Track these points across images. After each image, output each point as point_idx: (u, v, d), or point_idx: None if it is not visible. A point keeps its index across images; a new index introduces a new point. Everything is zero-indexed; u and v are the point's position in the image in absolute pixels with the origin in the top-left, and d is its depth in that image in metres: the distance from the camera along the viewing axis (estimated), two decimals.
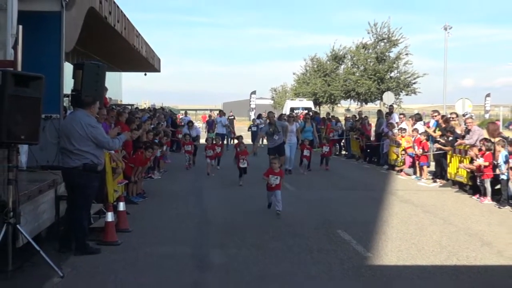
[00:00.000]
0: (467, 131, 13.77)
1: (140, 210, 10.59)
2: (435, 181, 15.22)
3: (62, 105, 9.57)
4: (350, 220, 9.91)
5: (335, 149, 23.09)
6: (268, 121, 15.79)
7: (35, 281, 6.18)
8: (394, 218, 10.17)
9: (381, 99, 39.19)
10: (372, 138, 21.20)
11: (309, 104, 38.06)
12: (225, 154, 19.28)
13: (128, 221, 9.05)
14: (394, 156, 18.02)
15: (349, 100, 48.04)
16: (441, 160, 15.11)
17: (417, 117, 18.68)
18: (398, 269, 6.96)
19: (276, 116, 17.38)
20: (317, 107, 45.74)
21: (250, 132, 29.53)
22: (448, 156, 14.44)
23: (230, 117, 35.41)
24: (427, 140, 16.10)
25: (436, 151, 15.45)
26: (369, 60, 43.14)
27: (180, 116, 33.25)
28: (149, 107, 36.05)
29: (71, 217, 7.50)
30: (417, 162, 16.33)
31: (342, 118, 28.35)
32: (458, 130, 14.48)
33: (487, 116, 51.35)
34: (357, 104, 47.21)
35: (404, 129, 17.70)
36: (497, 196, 11.82)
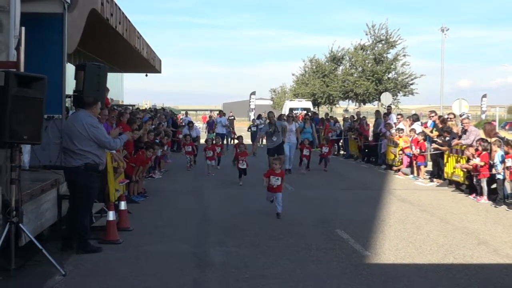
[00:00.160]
0: (464, 131, 13.78)
1: (141, 209, 10.59)
2: (432, 181, 15.23)
3: (64, 105, 9.57)
4: (349, 219, 9.91)
5: (333, 149, 23.08)
6: (268, 121, 15.79)
7: (38, 279, 6.18)
8: (391, 217, 10.17)
9: (379, 100, 39.24)
10: (370, 138, 21.21)
11: (308, 104, 38.08)
12: (225, 154, 19.30)
13: (129, 220, 9.06)
14: (392, 156, 18.03)
15: (347, 100, 48.15)
16: (438, 160, 15.12)
17: (415, 118, 18.69)
18: (395, 267, 6.96)
19: (275, 116, 17.35)
20: (316, 108, 45.76)
21: (250, 133, 29.50)
22: (445, 156, 14.45)
23: (230, 118, 35.42)
24: (425, 140, 16.11)
25: (433, 151, 15.46)
26: (367, 61, 43.23)
27: (181, 117, 33.24)
28: (150, 108, 36.09)
29: (73, 216, 7.50)
30: (414, 162, 16.34)
31: (340, 119, 28.37)
32: (455, 130, 14.49)
33: (483, 116, 51.39)
34: (355, 105, 47.28)
35: (402, 129, 17.71)
36: (493, 196, 11.82)
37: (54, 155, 8.81)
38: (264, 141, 16.59)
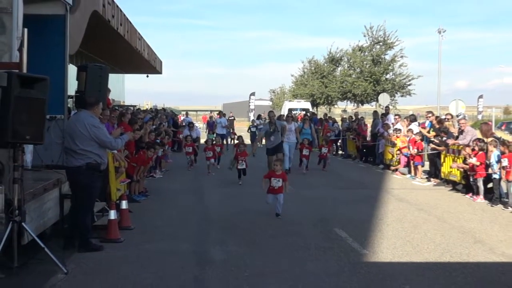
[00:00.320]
0: (461, 131, 13.79)
1: (142, 208, 10.59)
2: (429, 180, 15.24)
3: (66, 106, 9.57)
4: (347, 218, 9.91)
5: (332, 149, 23.08)
6: (268, 120, 15.78)
7: (40, 277, 6.18)
8: (389, 216, 10.17)
9: (377, 101, 39.27)
10: (368, 138, 21.20)
11: (307, 105, 38.09)
12: (225, 154, 19.29)
13: (131, 219, 9.06)
14: (390, 156, 18.03)
15: (345, 101, 48.16)
16: (435, 160, 15.12)
17: (412, 118, 18.70)
18: (393, 265, 6.97)
19: (275, 116, 17.32)
20: (315, 108, 45.75)
21: (249, 134, 29.49)
22: (442, 156, 14.45)
23: (230, 118, 35.40)
24: (422, 140, 16.12)
25: (430, 151, 15.47)
26: (365, 62, 43.24)
27: (182, 117, 33.22)
28: (151, 108, 36.07)
29: (75, 215, 7.51)
30: (411, 162, 16.33)
31: (338, 119, 28.40)
32: (452, 131, 14.49)
33: (480, 117, 51.37)
34: (354, 105, 47.29)
35: (399, 130, 17.71)
36: (489, 195, 11.83)
37: (56, 155, 8.80)
38: (264, 141, 16.57)
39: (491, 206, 11.29)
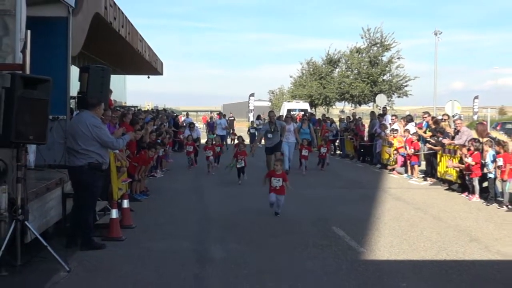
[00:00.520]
0: (456, 131, 13.79)
1: (143, 207, 10.59)
2: (425, 180, 15.24)
3: (68, 106, 9.57)
4: (344, 217, 9.91)
5: (330, 149, 23.07)
6: (268, 120, 15.76)
7: (43, 275, 6.18)
8: (386, 215, 10.17)
9: (374, 101, 39.24)
10: (366, 139, 21.20)
11: (305, 105, 38.05)
12: (224, 153, 19.27)
13: (132, 217, 9.05)
14: (387, 156, 18.04)
15: (343, 102, 48.06)
16: (431, 160, 15.13)
17: (409, 118, 18.70)
18: (390, 263, 6.97)
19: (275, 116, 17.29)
20: (313, 109, 45.73)
21: (249, 134, 29.47)
22: (438, 156, 14.46)
23: (230, 118, 35.43)
24: (418, 140, 16.13)
25: (427, 151, 15.47)
26: (362, 63, 43.19)
27: (182, 118, 33.22)
28: (152, 109, 36.05)
29: (77, 214, 7.50)
30: (408, 162, 16.35)
31: (336, 119, 28.39)
32: (448, 131, 14.50)
33: (475, 117, 51.36)
34: (351, 106, 47.24)
35: (396, 130, 17.72)
36: (484, 194, 11.83)
37: (59, 154, 8.80)
38: (263, 141, 16.56)
39: (487, 205, 11.29)
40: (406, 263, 6.99)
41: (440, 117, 16.25)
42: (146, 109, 31.93)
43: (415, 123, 18.64)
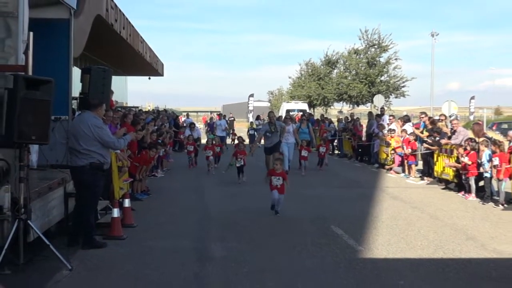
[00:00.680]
0: (453, 131, 13.80)
1: (144, 207, 10.59)
2: (422, 179, 15.24)
3: (70, 107, 9.56)
4: (343, 215, 9.91)
5: (328, 149, 23.06)
6: (268, 120, 15.74)
7: (45, 273, 6.17)
8: (384, 213, 10.17)
9: (372, 102, 39.30)
10: (364, 138, 21.21)
11: (304, 106, 38.10)
12: (224, 153, 19.26)
13: (133, 216, 9.05)
14: (384, 155, 18.04)
15: (341, 102, 48.18)
16: (428, 159, 15.13)
17: (406, 119, 18.72)
18: (387, 261, 6.97)
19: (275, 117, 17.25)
20: (312, 109, 45.76)
21: (249, 135, 29.46)
22: (435, 155, 14.47)
23: (230, 119, 35.47)
24: (415, 140, 16.13)
25: (424, 150, 15.48)
26: (360, 64, 43.27)
27: (183, 118, 33.22)
28: (153, 109, 36.03)
29: (79, 213, 7.50)
30: (405, 161, 16.35)
31: (335, 120, 28.37)
32: (445, 131, 14.51)
33: (471, 117, 51.38)
34: (349, 106, 47.30)
35: (394, 130, 17.73)
36: (481, 193, 11.83)
37: (61, 154, 8.80)
38: (263, 141, 16.55)
39: (483, 204, 11.29)
40: (404, 261, 6.99)
41: (437, 117, 16.26)
42: (147, 110, 31.91)
43: (412, 123, 18.65)
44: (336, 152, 24.43)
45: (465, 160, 12.05)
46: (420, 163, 16.35)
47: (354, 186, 14.35)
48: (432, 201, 11.76)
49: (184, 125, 25.97)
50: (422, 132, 16.10)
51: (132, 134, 9.47)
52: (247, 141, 24.25)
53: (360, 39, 43.19)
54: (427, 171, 15.26)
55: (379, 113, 21.98)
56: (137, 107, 30.85)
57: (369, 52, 42.96)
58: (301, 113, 31.21)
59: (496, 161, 11.13)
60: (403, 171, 16.52)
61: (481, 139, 12.13)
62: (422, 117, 16.93)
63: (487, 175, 11.48)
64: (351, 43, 45.36)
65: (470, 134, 13.39)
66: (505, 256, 7.29)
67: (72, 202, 7.83)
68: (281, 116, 23.62)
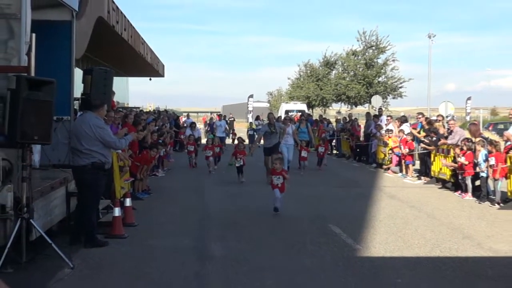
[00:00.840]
0: (450, 132, 13.80)
1: (145, 206, 10.58)
2: (420, 179, 15.25)
3: (72, 107, 9.55)
4: (341, 215, 9.91)
5: (328, 149, 23.05)
6: (268, 121, 15.71)
7: (48, 271, 6.17)
8: (381, 213, 10.17)
9: (370, 102, 39.27)
10: (361, 139, 21.22)
11: (303, 106, 38.09)
12: (224, 153, 19.26)
13: (134, 216, 9.05)
14: (382, 155, 18.04)
15: (340, 103, 48.11)
16: (425, 159, 15.13)
17: (403, 119, 18.71)
18: (385, 260, 6.96)
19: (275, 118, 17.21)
20: (310, 110, 45.75)
21: (248, 135, 29.47)
22: (432, 155, 14.47)
23: (230, 119, 35.47)
24: (413, 140, 16.13)
25: (421, 150, 15.48)
26: (358, 66, 43.22)
27: (183, 118, 33.21)
28: (153, 110, 36.02)
29: (81, 212, 7.50)
30: (403, 161, 16.35)
31: (333, 120, 28.37)
32: (441, 131, 14.51)
33: (468, 118, 51.40)
34: (348, 107, 47.27)
35: (391, 130, 17.72)
36: (477, 192, 11.83)
37: (63, 154, 8.78)
38: (262, 141, 16.52)
39: (479, 203, 11.29)
40: (401, 259, 6.99)
41: (434, 118, 16.25)
42: (148, 110, 31.90)
43: (410, 124, 18.65)
44: (335, 152, 24.43)
45: (462, 160, 12.05)
46: (417, 163, 16.34)
47: (352, 185, 14.35)
48: (429, 201, 11.76)
49: (185, 125, 25.95)
50: (419, 132, 16.10)
51: (133, 134, 9.48)
52: (246, 141, 24.24)
53: (358, 40, 43.13)
54: (424, 171, 15.26)
55: (377, 113, 22.00)
56: (138, 107, 30.79)
57: (367, 54, 42.90)
58: (300, 113, 31.22)
59: (492, 161, 11.13)
60: (401, 170, 16.52)
61: (477, 139, 12.14)
62: (419, 118, 16.93)
63: (484, 174, 11.48)
64: (349, 44, 45.26)
65: (466, 134, 13.40)
66: (501, 254, 7.29)
67: (74, 201, 7.83)
68: (280, 117, 23.61)
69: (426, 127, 15.56)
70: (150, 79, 31.70)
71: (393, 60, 42.48)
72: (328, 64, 48.02)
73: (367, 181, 15.11)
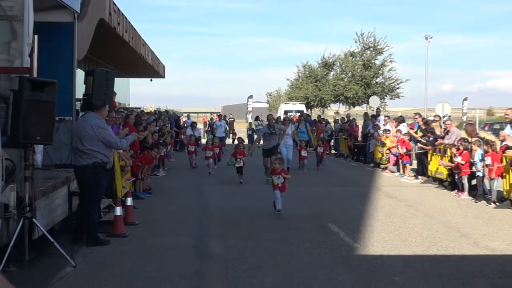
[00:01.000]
0: (446, 132, 13.81)
1: (146, 205, 10.58)
2: (417, 178, 15.25)
3: (74, 108, 9.56)
4: (339, 213, 9.91)
5: (327, 149, 23.04)
6: (267, 123, 15.67)
7: (50, 270, 6.18)
8: (379, 211, 10.18)
9: (368, 103, 39.28)
10: (359, 139, 21.23)
11: (302, 107, 38.08)
12: (224, 154, 19.26)
13: (135, 215, 9.05)
14: (380, 155, 18.05)
15: (338, 103, 48.09)
16: (422, 159, 15.14)
17: (400, 119, 18.71)
18: (383, 258, 6.97)
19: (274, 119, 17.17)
20: (309, 110, 45.74)
21: (248, 135, 29.48)
22: (429, 155, 14.47)
23: (230, 119, 35.47)
24: (410, 140, 16.14)
25: (418, 150, 15.48)
26: (356, 67, 43.22)
27: (184, 119, 33.21)
28: (154, 110, 36.00)
29: (82, 211, 7.50)
30: (400, 161, 16.36)
31: (331, 120, 28.38)
32: (438, 131, 14.52)
33: (464, 118, 51.39)
34: (346, 107, 47.28)
35: (389, 130, 17.73)
36: (473, 192, 11.85)
37: (65, 154, 8.79)
38: (262, 141, 16.50)
39: (475, 202, 11.30)
40: (398, 257, 6.99)
41: (431, 118, 16.26)
42: (148, 111, 31.87)
43: (407, 124, 18.66)
44: (333, 151, 24.44)
45: (458, 159, 12.06)
46: (415, 162, 16.35)
47: (350, 185, 14.36)
48: (426, 199, 11.77)
49: (185, 126, 25.96)
50: (416, 133, 16.11)
51: (134, 134, 9.48)
52: (246, 141, 24.25)
53: (356, 42, 43.14)
54: (421, 170, 15.26)
55: (375, 114, 22.00)
56: (139, 108, 30.77)
57: (364, 55, 42.91)
58: (299, 114, 31.24)
59: (488, 160, 11.14)
60: (398, 170, 16.53)
61: (473, 139, 12.14)
62: (416, 118, 16.94)
63: (480, 174, 11.48)
64: (347, 46, 45.37)
65: (463, 134, 13.40)
66: (496, 252, 7.30)
67: (76, 201, 7.83)
68: (279, 117, 23.59)
69: (423, 127, 15.56)
70: (151, 80, 31.67)
71: (391, 61, 42.52)
72: (327, 65, 48.01)
73: (365, 180, 15.11)
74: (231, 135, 30.46)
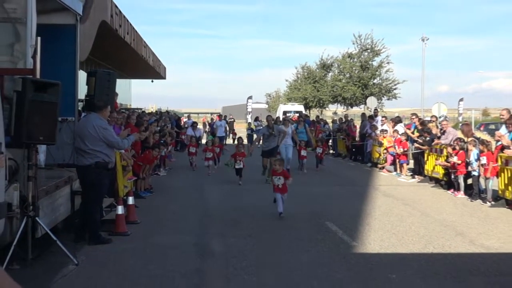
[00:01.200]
0: (443, 132, 13.82)
1: (147, 204, 10.58)
2: (413, 177, 15.26)
3: (77, 109, 9.56)
4: (337, 212, 9.91)
5: (326, 149, 23.02)
6: (267, 124, 15.62)
7: (53, 268, 6.17)
8: (376, 210, 10.18)
9: (365, 103, 39.32)
10: (357, 139, 21.23)
11: (300, 108, 38.08)
12: (224, 154, 19.26)
13: (137, 213, 9.05)
14: (377, 155, 18.05)
15: (336, 104, 48.15)
16: (419, 158, 15.15)
17: (397, 120, 18.74)
18: (380, 256, 6.97)
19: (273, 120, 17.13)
20: (307, 111, 45.76)
21: (247, 136, 29.48)
22: (426, 155, 14.48)
23: (230, 120, 35.48)
24: (407, 140, 16.15)
25: (415, 150, 15.49)
26: (354, 68, 43.28)
27: (184, 119, 33.21)
28: (155, 111, 36.00)
29: (85, 210, 7.50)
30: (397, 160, 16.37)
31: (329, 121, 28.39)
32: (434, 131, 14.52)
33: (460, 118, 51.43)
34: (344, 108, 47.33)
35: (386, 130, 17.74)
36: (469, 191, 11.85)
37: (68, 154, 8.79)
38: (261, 142, 16.47)
39: (471, 201, 11.31)
40: (395, 256, 7.00)
41: (428, 119, 16.27)
42: (150, 111, 31.88)
43: (404, 124, 18.67)
44: (331, 151, 24.43)
45: (454, 159, 12.07)
46: (411, 162, 16.36)
47: (348, 184, 14.36)
48: (423, 198, 11.77)
49: (186, 126, 25.96)
50: (413, 133, 16.12)
51: (135, 134, 9.48)
52: (245, 141, 24.25)
53: (353, 43, 43.22)
54: (418, 170, 15.27)
55: (372, 114, 22.01)
56: (141, 108, 30.77)
57: (362, 56, 42.97)
58: (297, 114, 31.24)
59: (483, 160, 11.14)
60: (395, 169, 16.54)
61: (469, 139, 12.16)
62: (413, 118, 16.94)
63: (475, 173, 11.49)
64: (345, 47, 45.41)
65: (459, 134, 13.41)
66: (492, 251, 7.30)
67: (78, 200, 7.83)
68: (278, 118, 23.58)
69: (420, 127, 15.58)
70: (152, 81, 31.70)
71: (388, 63, 42.61)
72: (325, 66, 48.05)
73: (363, 179, 15.12)
74: (231, 135, 30.47)
